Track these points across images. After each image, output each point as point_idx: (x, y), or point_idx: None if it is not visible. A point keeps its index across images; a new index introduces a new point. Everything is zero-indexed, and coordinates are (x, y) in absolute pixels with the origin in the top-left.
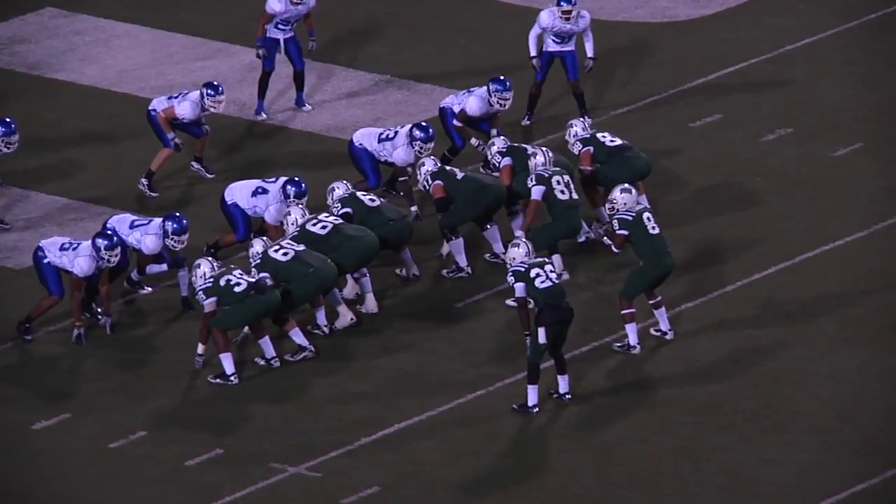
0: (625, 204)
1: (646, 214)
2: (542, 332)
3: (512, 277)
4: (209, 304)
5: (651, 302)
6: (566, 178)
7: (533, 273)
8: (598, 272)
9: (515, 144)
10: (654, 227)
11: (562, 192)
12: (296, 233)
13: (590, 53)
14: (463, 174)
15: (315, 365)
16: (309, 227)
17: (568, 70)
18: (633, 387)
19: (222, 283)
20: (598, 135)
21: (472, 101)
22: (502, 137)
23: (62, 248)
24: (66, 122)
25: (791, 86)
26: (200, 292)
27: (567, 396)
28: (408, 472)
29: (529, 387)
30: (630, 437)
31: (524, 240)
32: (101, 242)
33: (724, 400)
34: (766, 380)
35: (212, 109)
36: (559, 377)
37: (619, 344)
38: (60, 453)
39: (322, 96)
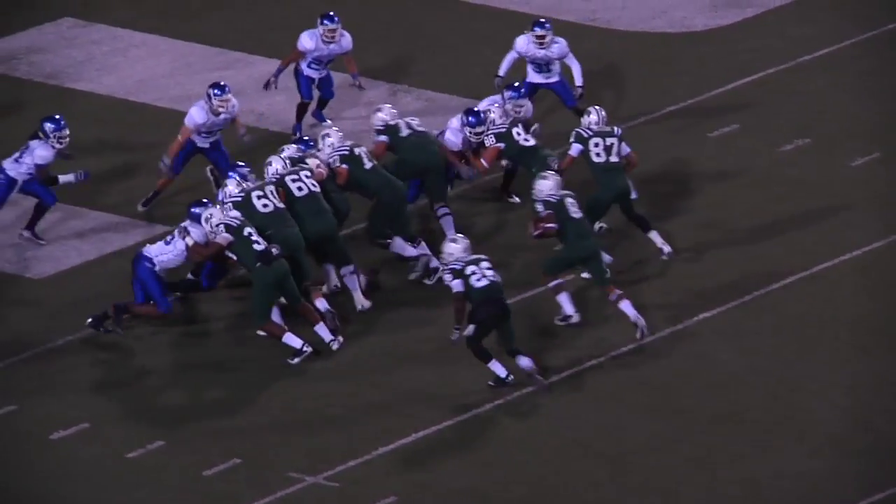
0: (542, 190)
1: (568, 199)
2: (472, 328)
3: (449, 275)
4: (223, 238)
5: (615, 294)
6: (609, 140)
7: (469, 270)
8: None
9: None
10: (576, 212)
11: (597, 154)
12: (273, 180)
13: (578, 81)
14: (371, 164)
15: (333, 375)
16: (287, 180)
17: (564, 100)
18: (651, 395)
19: (245, 232)
20: (514, 130)
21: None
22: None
23: (166, 244)
24: (84, 132)
25: (809, 96)
26: (221, 225)
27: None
28: (424, 481)
29: (490, 365)
30: (647, 445)
31: (461, 236)
32: (195, 211)
33: (743, 409)
34: (784, 389)
35: (220, 111)
36: (519, 358)
37: (559, 318)
38: (78, 463)
39: (341, 106)
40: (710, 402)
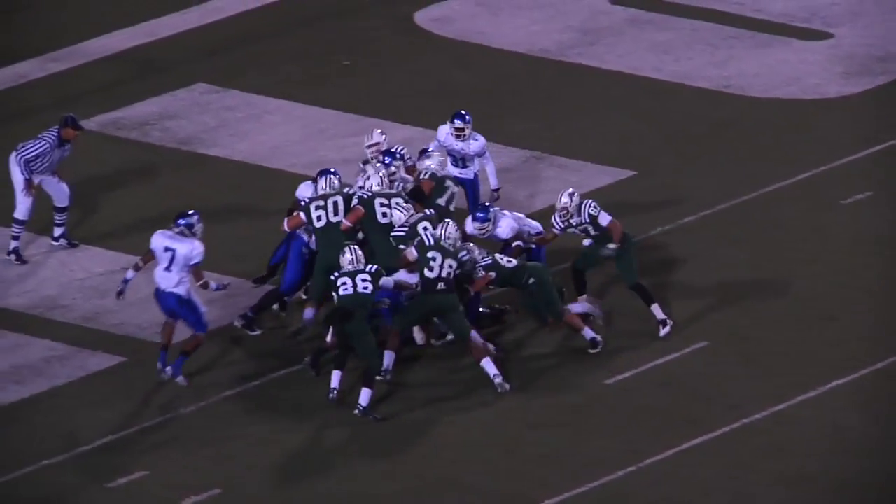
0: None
1: (422, 224)
2: (330, 330)
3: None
4: (410, 254)
5: None
6: None
7: (339, 282)
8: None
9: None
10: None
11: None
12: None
13: (493, 184)
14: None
15: (464, 440)
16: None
17: (469, 201)
18: (781, 463)
19: (429, 255)
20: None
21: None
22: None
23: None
24: (217, 198)
25: None
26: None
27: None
28: None
29: (333, 375)
30: None
31: (354, 247)
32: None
33: (871, 477)
34: None
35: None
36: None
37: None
38: None
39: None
40: (840, 469)
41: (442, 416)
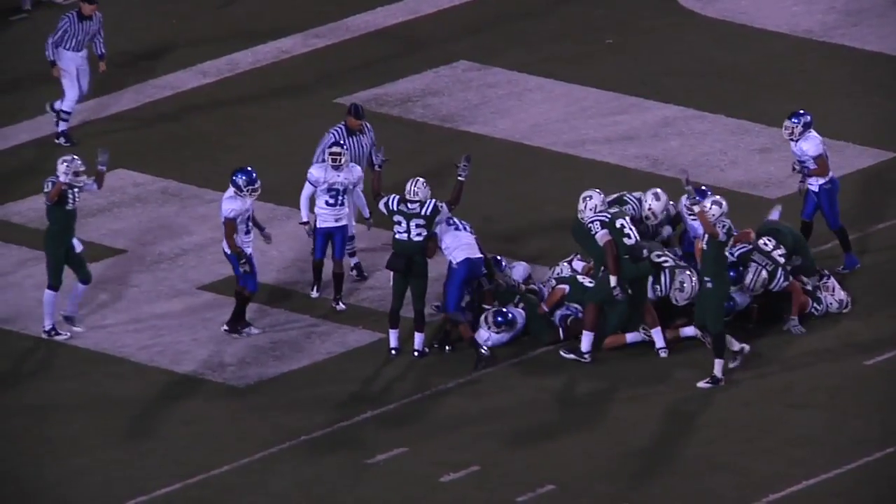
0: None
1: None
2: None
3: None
4: (602, 235)
5: None
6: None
7: (395, 219)
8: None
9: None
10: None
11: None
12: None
13: (366, 213)
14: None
15: (721, 420)
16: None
17: (336, 247)
18: None
19: (617, 224)
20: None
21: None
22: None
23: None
24: (477, 175)
25: None
26: (596, 222)
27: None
28: None
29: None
30: None
31: (420, 179)
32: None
33: None
34: None
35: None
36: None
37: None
38: None
39: (735, 153)
40: None
41: (699, 396)
